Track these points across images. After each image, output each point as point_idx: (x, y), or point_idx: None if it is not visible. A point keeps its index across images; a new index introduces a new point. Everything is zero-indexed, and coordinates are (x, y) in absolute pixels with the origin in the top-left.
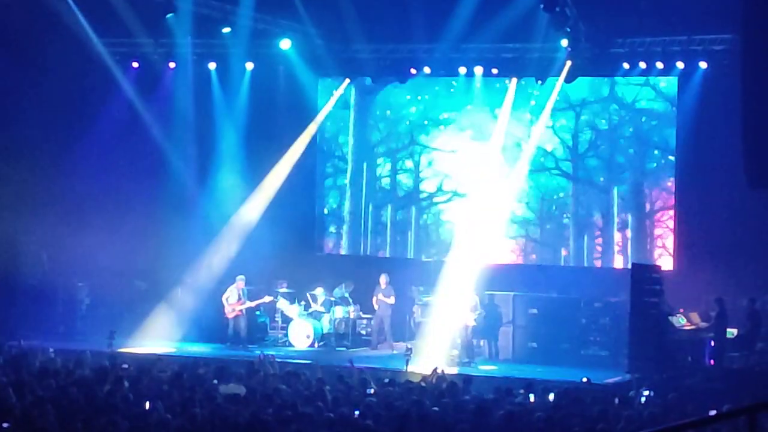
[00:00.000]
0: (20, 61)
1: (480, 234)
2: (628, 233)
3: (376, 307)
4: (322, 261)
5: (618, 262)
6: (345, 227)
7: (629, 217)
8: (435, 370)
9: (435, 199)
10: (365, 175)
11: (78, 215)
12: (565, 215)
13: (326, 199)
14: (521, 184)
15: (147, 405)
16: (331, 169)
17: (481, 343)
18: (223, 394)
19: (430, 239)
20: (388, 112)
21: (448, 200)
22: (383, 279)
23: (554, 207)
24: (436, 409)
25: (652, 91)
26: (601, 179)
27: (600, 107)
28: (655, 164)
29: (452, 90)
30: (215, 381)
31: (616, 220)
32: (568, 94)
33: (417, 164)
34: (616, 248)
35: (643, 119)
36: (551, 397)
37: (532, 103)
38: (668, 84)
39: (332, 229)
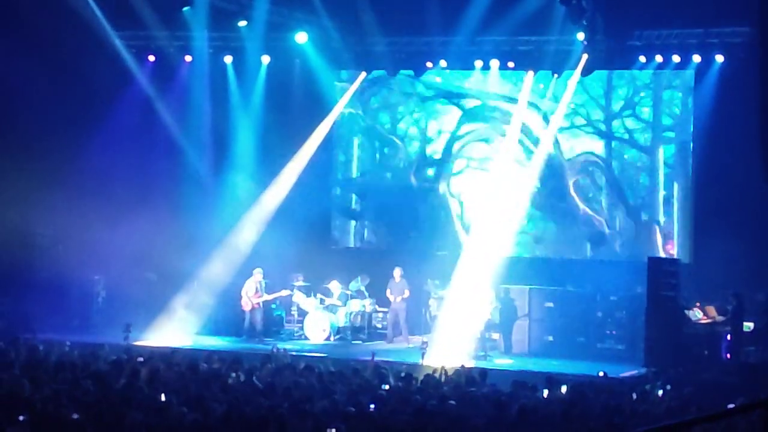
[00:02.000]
0: (36, 54)
1: (496, 227)
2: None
3: (391, 299)
4: (338, 254)
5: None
6: (359, 221)
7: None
8: (445, 366)
9: (453, 192)
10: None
11: (93, 208)
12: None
13: (341, 192)
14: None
15: (162, 398)
16: (344, 160)
17: (497, 336)
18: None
19: (447, 234)
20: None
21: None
22: (397, 272)
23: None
24: (452, 402)
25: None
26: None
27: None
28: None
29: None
30: (233, 374)
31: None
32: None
33: (433, 153)
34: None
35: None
36: (565, 390)
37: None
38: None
39: (348, 222)
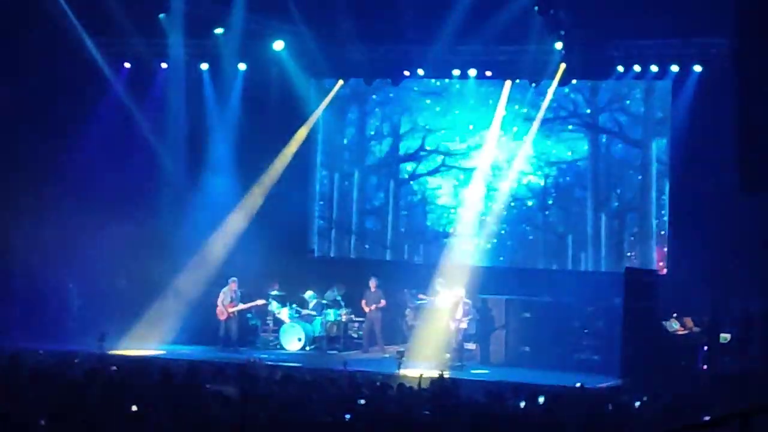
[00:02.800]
0: (10, 61)
1: (473, 237)
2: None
3: (366, 310)
4: (314, 264)
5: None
6: (336, 230)
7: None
8: (421, 376)
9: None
10: (357, 178)
11: (69, 216)
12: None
13: (318, 201)
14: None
15: (137, 407)
16: (324, 171)
17: (473, 346)
18: (213, 395)
19: (423, 240)
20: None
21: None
22: (373, 282)
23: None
24: (427, 412)
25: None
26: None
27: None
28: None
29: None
30: (207, 384)
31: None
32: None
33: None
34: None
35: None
36: (542, 401)
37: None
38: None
39: (324, 231)
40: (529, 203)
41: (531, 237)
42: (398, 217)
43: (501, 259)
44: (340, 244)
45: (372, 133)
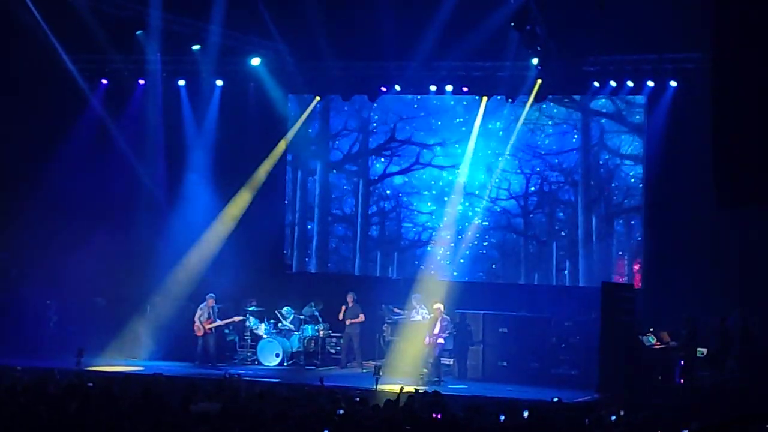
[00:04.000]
0: None
1: (449, 254)
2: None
3: (347, 322)
4: (291, 279)
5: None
6: (314, 246)
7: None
8: (402, 389)
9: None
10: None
11: (47, 232)
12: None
13: (295, 217)
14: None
15: (115, 424)
16: (300, 187)
17: (450, 361)
18: (193, 413)
19: (399, 256)
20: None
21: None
22: (350, 298)
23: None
24: (408, 428)
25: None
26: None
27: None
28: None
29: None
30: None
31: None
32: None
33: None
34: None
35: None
36: (527, 415)
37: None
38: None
39: (302, 247)
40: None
41: (512, 246)
42: (368, 224)
43: (480, 274)
44: (316, 260)
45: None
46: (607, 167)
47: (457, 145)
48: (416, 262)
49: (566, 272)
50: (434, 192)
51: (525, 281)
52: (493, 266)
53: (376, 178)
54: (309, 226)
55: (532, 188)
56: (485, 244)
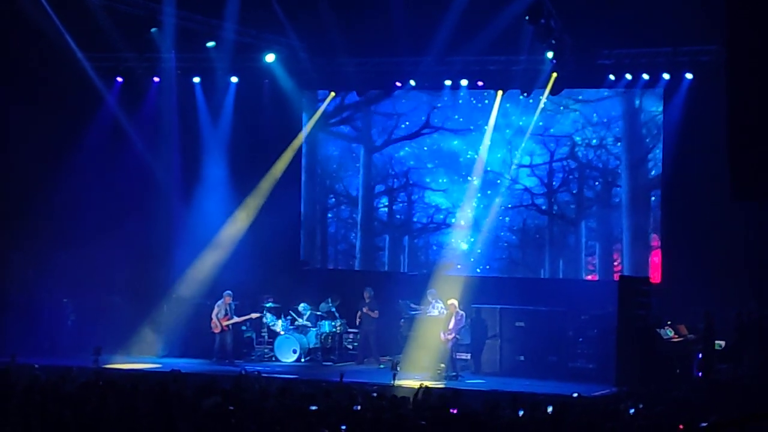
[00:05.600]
0: (3, 77)
1: (466, 250)
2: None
3: (358, 321)
4: (309, 275)
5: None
6: (329, 241)
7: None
8: (421, 386)
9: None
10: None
11: (64, 231)
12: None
13: (312, 213)
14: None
15: (132, 421)
16: (319, 183)
17: (467, 356)
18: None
19: (418, 258)
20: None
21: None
22: (366, 294)
23: (537, 233)
24: (423, 423)
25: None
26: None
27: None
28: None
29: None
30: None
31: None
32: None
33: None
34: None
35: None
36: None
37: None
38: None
39: (319, 243)
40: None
41: (525, 248)
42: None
43: (487, 267)
44: (333, 256)
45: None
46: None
47: (472, 127)
48: (430, 250)
49: (596, 254)
50: (449, 169)
51: (550, 267)
52: (512, 254)
53: (380, 144)
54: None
55: (558, 161)
56: (505, 226)
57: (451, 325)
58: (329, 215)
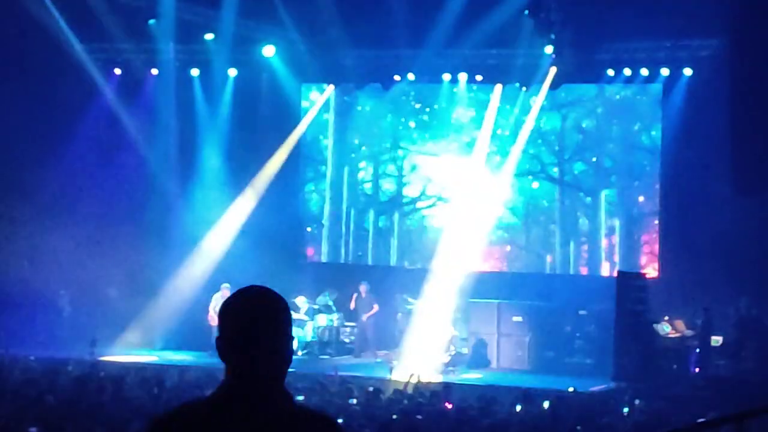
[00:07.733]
0: (1, 67)
1: (464, 241)
2: (615, 239)
3: (353, 307)
4: (306, 269)
5: (605, 269)
6: (327, 234)
7: (617, 223)
8: (412, 376)
9: (418, 205)
10: (346, 179)
11: (59, 222)
12: (551, 224)
13: (308, 205)
14: (506, 189)
15: (128, 414)
16: (312, 174)
17: (465, 351)
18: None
19: (413, 246)
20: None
21: (432, 205)
22: (363, 287)
23: (540, 215)
24: (419, 417)
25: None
26: (588, 184)
27: (585, 108)
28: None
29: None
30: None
31: (603, 226)
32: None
33: (400, 168)
34: (603, 255)
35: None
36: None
37: (516, 111)
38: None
39: (315, 236)
40: (515, 214)
41: (522, 242)
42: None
43: (493, 263)
44: (330, 249)
45: None
46: None
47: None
48: (431, 253)
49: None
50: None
51: (560, 249)
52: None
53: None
54: (329, 218)
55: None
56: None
57: (449, 319)
58: (327, 208)
